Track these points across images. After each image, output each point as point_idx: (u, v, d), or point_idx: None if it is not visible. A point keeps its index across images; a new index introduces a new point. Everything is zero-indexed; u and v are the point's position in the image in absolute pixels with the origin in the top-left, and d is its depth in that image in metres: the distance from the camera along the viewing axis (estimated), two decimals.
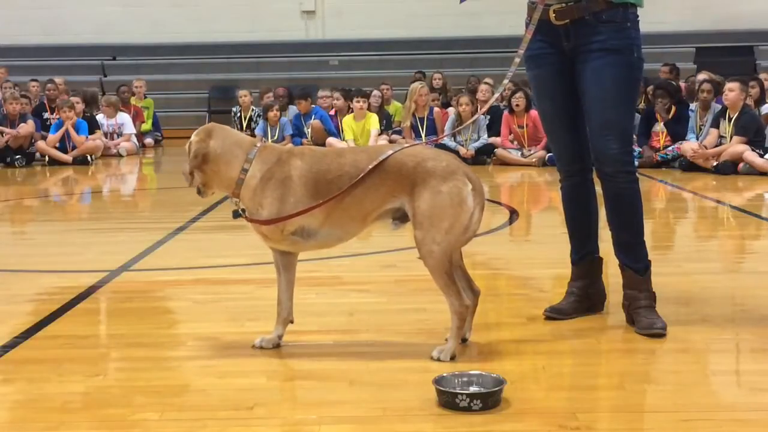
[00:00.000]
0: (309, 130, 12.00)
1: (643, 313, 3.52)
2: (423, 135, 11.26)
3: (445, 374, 2.93)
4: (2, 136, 11.79)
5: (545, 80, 3.69)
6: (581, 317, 3.71)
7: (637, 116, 11.46)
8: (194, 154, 3.32)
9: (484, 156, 10.82)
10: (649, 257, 3.64)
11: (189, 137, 3.42)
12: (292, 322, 3.47)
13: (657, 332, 3.44)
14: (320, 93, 12.75)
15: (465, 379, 2.92)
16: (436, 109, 11.75)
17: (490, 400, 2.79)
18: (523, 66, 3.61)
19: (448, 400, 2.79)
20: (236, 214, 3.34)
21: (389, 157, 3.24)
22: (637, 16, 3.57)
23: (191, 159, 3.32)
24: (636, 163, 3.64)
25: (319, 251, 3.60)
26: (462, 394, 2.79)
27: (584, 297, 3.80)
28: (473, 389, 2.86)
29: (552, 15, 3.52)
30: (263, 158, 3.28)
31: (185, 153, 3.38)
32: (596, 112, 3.53)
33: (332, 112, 12.29)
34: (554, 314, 3.73)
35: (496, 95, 4.13)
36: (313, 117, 12.10)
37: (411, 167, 3.21)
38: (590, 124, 3.57)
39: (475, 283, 3.46)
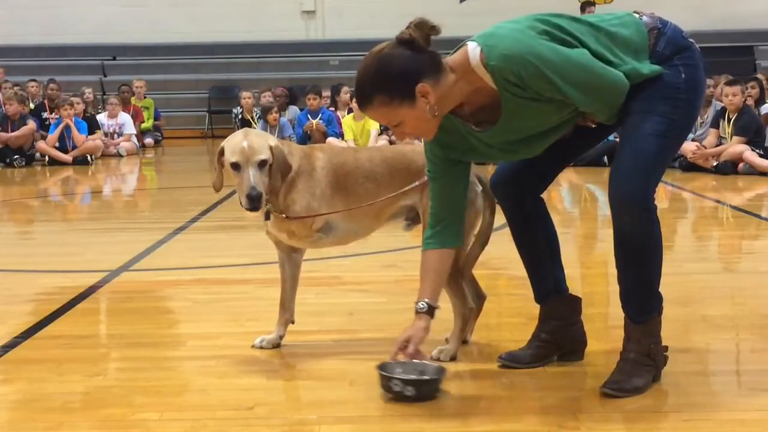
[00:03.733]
0: (315, 127, 11.99)
1: (618, 366, 2.93)
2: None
3: (390, 360, 2.94)
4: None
5: None
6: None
7: None
8: (283, 158, 3.18)
9: None
10: (660, 309, 2.98)
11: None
12: (293, 322, 3.48)
13: (606, 392, 2.85)
14: (323, 93, 12.78)
15: (409, 366, 2.92)
16: None
17: (423, 388, 2.84)
18: None
19: (385, 384, 2.86)
20: (267, 216, 3.29)
21: (400, 155, 3.29)
22: (679, 35, 2.91)
23: (283, 165, 3.17)
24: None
25: (320, 251, 3.60)
26: (396, 378, 2.84)
27: (551, 343, 3.18)
28: (411, 376, 2.88)
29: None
30: (294, 153, 3.30)
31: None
32: (623, 128, 2.88)
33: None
34: (509, 362, 3.16)
35: None
36: (320, 116, 12.12)
37: (421, 165, 3.22)
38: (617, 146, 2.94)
39: (481, 288, 3.46)
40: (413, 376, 2.89)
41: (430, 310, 2.95)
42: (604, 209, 7.96)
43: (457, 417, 2.75)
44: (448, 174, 2.97)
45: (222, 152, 3.18)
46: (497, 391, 2.97)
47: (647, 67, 2.82)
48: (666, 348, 3.01)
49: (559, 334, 3.19)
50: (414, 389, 2.82)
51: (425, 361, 2.96)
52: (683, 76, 2.85)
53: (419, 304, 2.95)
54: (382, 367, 2.91)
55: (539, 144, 2.92)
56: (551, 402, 2.85)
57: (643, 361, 2.93)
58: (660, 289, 2.95)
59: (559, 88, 2.67)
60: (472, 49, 2.71)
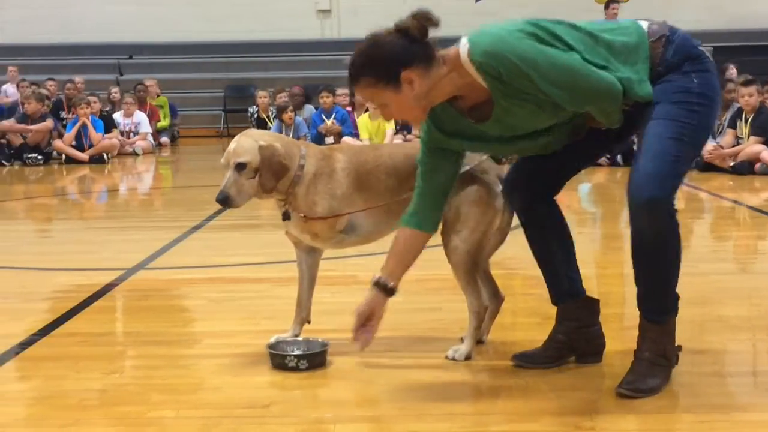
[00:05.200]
0: (330, 127, 12.02)
1: (633, 366, 2.93)
2: None
3: (280, 339, 3.33)
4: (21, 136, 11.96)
5: None
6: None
7: None
8: (274, 157, 3.20)
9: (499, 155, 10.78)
10: (677, 309, 2.97)
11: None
12: (309, 322, 3.49)
13: (622, 392, 2.85)
14: (338, 91, 12.79)
15: (294, 345, 3.29)
16: None
17: (315, 360, 3.19)
18: None
19: (280, 362, 3.17)
20: (286, 216, 3.32)
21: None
22: (682, 45, 2.87)
23: (274, 164, 3.17)
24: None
25: (335, 249, 3.60)
26: (290, 355, 3.18)
27: (566, 344, 3.18)
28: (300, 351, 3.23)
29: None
30: (312, 154, 3.31)
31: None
32: (645, 129, 2.85)
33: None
34: (523, 362, 3.18)
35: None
36: (334, 114, 12.14)
37: None
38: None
39: (500, 290, 3.46)
40: (302, 351, 3.24)
41: (380, 285, 3.07)
42: (620, 209, 7.94)
43: (473, 416, 2.75)
44: (439, 163, 3.04)
45: None
46: (513, 391, 2.96)
47: (643, 90, 2.81)
48: (679, 347, 3.00)
49: (574, 335, 3.18)
50: (307, 362, 3.17)
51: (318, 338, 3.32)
52: (695, 81, 2.85)
53: (374, 277, 3.11)
54: (271, 347, 3.25)
55: (539, 141, 2.95)
56: (567, 402, 2.85)
57: (658, 361, 2.92)
58: (677, 289, 2.95)
59: (539, 87, 2.71)
60: (463, 44, 2.79)
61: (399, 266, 3.10)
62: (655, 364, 2.92)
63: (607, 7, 13.72)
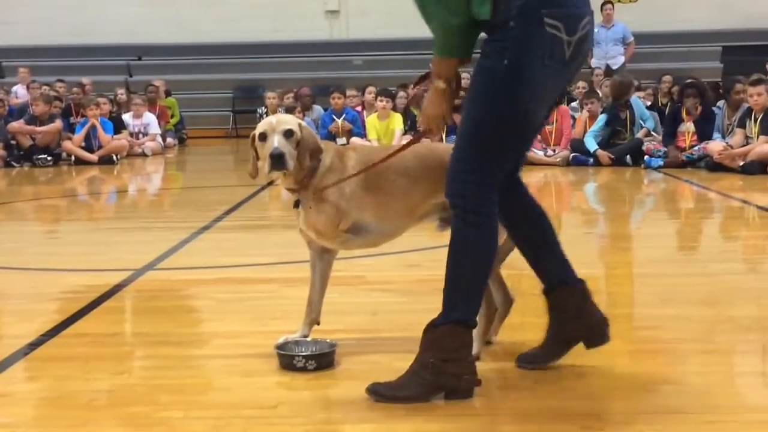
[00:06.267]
0: (341, 127, 12.02)
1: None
2: (443, 136, 11.25)
3: (288, 340, 3.31)
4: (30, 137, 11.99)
5: None
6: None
7: (656, 115, 11.41)
8: (312, 137, 3.27)
9: None
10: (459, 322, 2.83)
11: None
12: (318, 323, 3.48)
13: (367, 389, 2.85)
14: (348, 93, 12.82)
15: (303, 345, 3.28)
16: None
17: (323, 360, 3.18)
18: None
19: (287, 362, 3.17)
20: (298, 204, 3.33)
21: (432, 152, 3.32)
22: (535, 11, 2.69)
23: (311, 143, 3.24)
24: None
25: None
26: (298, 355, 3.18)
27: (561, 338, 3.11)
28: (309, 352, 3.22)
29: None
30: (328, 149, 3.34)
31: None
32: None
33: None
34: (525, 363, 3.14)
35: None
36: (344, 115, 12.15)
37: None
38: None
39: (509, 291, 3.45)
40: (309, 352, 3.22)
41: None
42: (628, 209, 7.93)
43: (482, 417, 2.75)
44: None
45: (254, 137, 3.27)
46: (521, 391, 2.96)
47: (482, 8, 2.71)
48: (468, 371, 2.84)
49: (568, 325, 3.07)
50: (315, 362, 3.16)
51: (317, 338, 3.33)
52: (506, 62, 2.71)
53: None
54: (279, 347, 3.24)
55: None
56: (575, 402, 2.84)
57: (419, 374, 2.83)
58: (470, 305, 2.87)
59: None
60: None
61: None
62: (415, 376, 2.84)
63: (601, 9, 13.68)
